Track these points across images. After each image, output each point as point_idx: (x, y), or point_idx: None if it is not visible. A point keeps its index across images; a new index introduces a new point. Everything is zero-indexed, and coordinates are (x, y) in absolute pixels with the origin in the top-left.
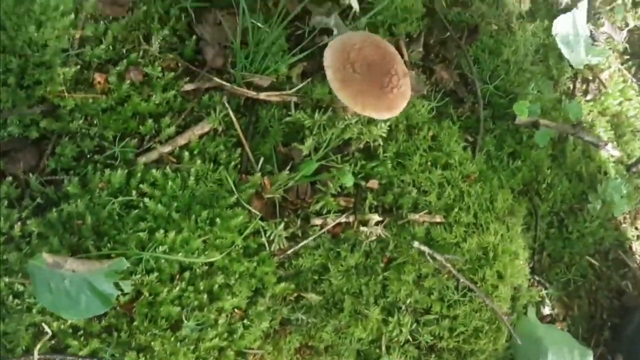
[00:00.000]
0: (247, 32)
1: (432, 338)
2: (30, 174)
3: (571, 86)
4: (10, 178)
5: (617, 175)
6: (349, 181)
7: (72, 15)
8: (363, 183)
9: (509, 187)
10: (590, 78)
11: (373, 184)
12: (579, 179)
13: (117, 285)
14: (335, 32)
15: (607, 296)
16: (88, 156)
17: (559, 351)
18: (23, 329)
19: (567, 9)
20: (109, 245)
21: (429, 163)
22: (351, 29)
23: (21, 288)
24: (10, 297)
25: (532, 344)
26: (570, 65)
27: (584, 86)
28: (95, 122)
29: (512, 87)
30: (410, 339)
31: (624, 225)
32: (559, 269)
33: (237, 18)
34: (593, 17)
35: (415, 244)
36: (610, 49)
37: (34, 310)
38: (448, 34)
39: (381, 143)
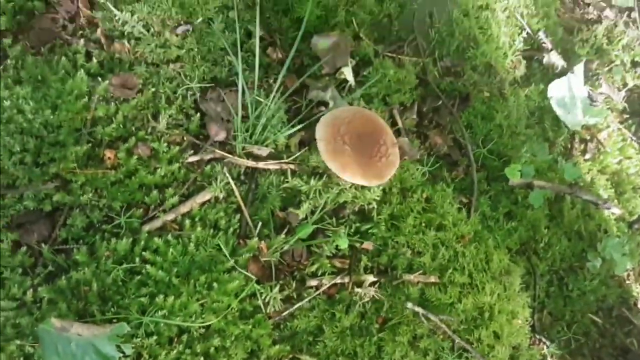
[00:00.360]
0: (248, 107)
1: None
2: (43, 244)
3: (569, 146)
4: (24, 248)
5: (618, 233)
6: (343, 244)
7: (86, 98)
8: (358, 245)
9: (505, 247)
10: (588, 138)
11: (368, 245)
12: (578, 237)
13: (119, 348)
14: (331, 104)
15: (611, 354)
16: (97, 226)
17: None
18: None
19: (563, 72)
20: (112, 309)
21: (423, 224)
22: (347, 100)
23: (31, 350)
24: (22, 359)
25: None
26: (567, 127)
27: (582, 146)
28: (104, 194)
29: (506, 150)
30: None
31: (627, 282)
32: (560, 327)
33: (237, 94)
34: (591, 78)
35: (409, 305)
36: (609, 108)
37: None
38: (441, 102)
39: (375, 206)
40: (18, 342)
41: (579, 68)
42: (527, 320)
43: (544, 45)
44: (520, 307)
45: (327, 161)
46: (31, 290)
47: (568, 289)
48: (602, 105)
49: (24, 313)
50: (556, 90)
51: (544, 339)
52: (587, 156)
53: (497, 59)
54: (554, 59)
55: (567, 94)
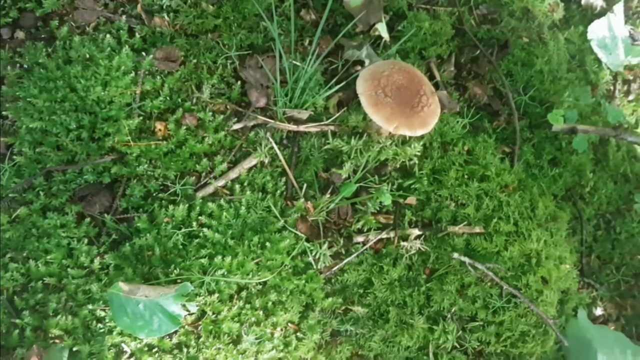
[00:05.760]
0: (287, 71)
1: (479, 344)
2: (105, 214)
3: (611, 88)
4: (88, 219)
5: None
6: (387, 200)
7: (133, 73)
8: (401, 200)
9: (550, 194)
10: (631, 78)
11: (411, 200)
12: (624, 180)
13: (184, 306)
14: (367, 62)
15: None
16: (154, 195)
17: (609, 352)
18: (106, 349)
19: (602, 13)
20: (175, 271)
21: (466, 177)
22: (383, 57)
23: (102, 314)
24: (94, 322)
25: (582, 346)
26: (609, 68)
27: (625, 87)
28: (158, 164)
29: (548, 96)
30: (457, 346)
31: None
32: (609, 270)
33: (275, 60)
34: (631, 17)
35: (455, 255)
36: None
37: (114, 333)
38: (479, 51)
39: (416, 161)
40: (90, 306)
41: (619, 7)
42: (575, 265)
43: None
44: (568, 253)
45: (371, 114)
46: (98, 258)
47: (616, 232)
48: None
49: (93, 280)
50: (596, 31)
51: (592, 283)
52: (631, 97)
53: (535, 3)
54: None
55: (608, 34)
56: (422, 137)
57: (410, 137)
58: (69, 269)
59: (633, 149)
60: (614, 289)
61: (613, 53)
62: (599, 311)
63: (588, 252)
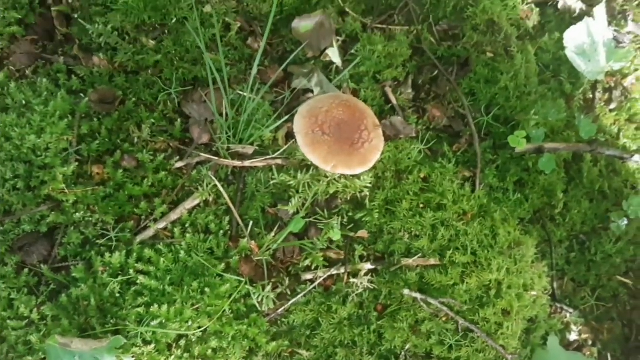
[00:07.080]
0: (234, 105)
1: None
2: (43, 264)
3: (590, 96)
4: (27, 269)
5: None
6: (336, 235)
7: (70, 117)
8: (352, 234)
9: (515, 218)
10: (613, 85)
11: (363, 233)
12: (602, 197)
13: (119, 358)
14: (317, 91)
15: None
16: (92, 241)
17: None
18: None
19: (582, 16)
20: (112, 322)
21: (421, 206)
22: (335, 84)
23: None
24: None
25: None
26: (586, 78)
27: (606, 95)
28: (96, 209)
29: (515, 113)
30: None
31: None
32: (584, 293)
33: (221, 92)
34: (616, 17)
35: (406, 291)
36: (638, 48)
37: None
38: (437, 70)
39: (367, 193)
40: (30, 358)
41: (600, 9)
42: (545, 290)
43: None
44: (536, 278)
45: (307, 154)
46: (36, 309)
47: (591, 253)
48: (630, 47)
49: (33, 330)
50: (573, 37)
51: (565, 307)
52: (612, 106)
53: (501, 14)
54: (571, 1)
55: (587, 40)
56: (373, 167)
57: None
58: (9, 320)
59: (612, 163)
60: (590, 313)
61: (592, 60)
62: (573, 336)
63: (560, 275)
